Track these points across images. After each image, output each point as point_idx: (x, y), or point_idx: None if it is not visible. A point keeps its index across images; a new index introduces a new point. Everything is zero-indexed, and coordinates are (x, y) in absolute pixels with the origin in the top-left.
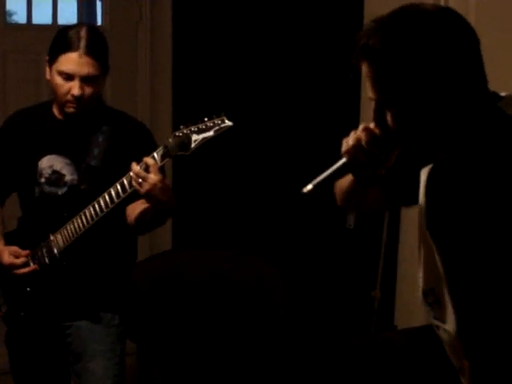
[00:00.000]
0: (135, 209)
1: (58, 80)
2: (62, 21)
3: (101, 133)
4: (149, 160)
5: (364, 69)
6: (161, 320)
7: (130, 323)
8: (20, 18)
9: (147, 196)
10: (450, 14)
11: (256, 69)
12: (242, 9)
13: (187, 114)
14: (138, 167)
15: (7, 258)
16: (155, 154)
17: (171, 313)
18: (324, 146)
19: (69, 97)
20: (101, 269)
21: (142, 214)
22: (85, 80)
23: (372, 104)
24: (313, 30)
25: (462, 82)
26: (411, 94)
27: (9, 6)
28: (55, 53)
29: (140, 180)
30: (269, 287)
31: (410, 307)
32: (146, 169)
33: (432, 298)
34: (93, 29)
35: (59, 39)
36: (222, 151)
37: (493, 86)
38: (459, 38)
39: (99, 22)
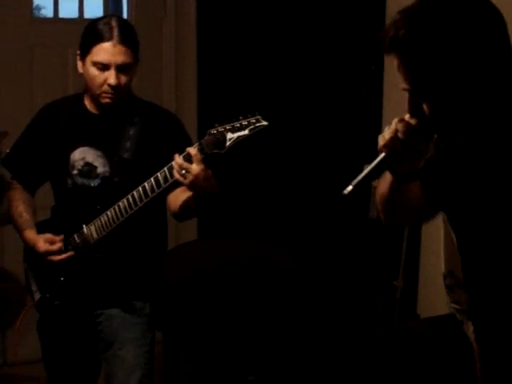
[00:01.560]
0: (178, 197)
1: (93, 71)
2: (88, 15)
3: (132, 125)
4: (191, 150)
5: (395, 61)
6: (186, 309)
7: (157, 312)
8: (47, 12)
9: (191, 186)
10: None
11: (280, 62)
12: (267, 3)
13: (212, 108)
14: (180, 159)
15: (42, 245)
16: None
17: (196, 301)
18: (347, 139)
19: (105, 87)
20: (133, 258)
21: (187, 201)
22: (120, 69)
23: (405, 95)
24: (336, 25)
25: (493, 66)
26: (444, 81)
27: (37, 1)
28: (88, 45)
29: (183, 171)
30: (289, 278)
31: (433, 296)
32: (189, 159)
33: (451, 280)
34: (122, 19)
35: (90, 31)
36: (247, 142)
37: None
38: (487, 23)
39: (125, 16)
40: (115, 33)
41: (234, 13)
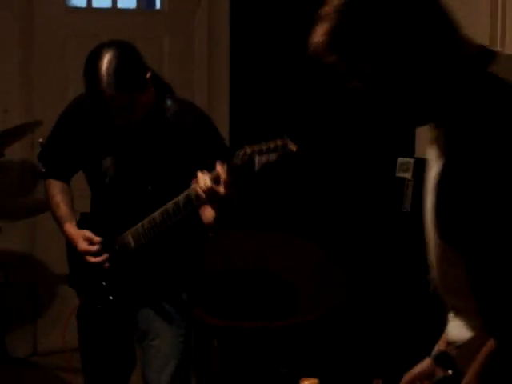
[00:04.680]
0: (204, 211)
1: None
2: (121, 5)
3: (163, 127)
4: (222, 173)
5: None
6: (216, 299)
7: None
8: (80, 2)
9: (213, 205)
10: None
11: (311, 59)
12: None
13: (244, 100)
14: (208, 178)
15: (82, 244)
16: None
17: (225, 292)
18: (378, 130)
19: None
20: (171, 249)
21: (208, 217)
22: (122, 110)
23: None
24: None
25: (429, 39)
26: (386, 66)
27: None
28: (87, 92)
29: (210, 193)
30: (318, 271)
31: None
32: (217, 178)
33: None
34: (117, 55)
35: (86, 78)
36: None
37: None
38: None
39: (158, 6)
40: (104, 84)
41: (269, 3)
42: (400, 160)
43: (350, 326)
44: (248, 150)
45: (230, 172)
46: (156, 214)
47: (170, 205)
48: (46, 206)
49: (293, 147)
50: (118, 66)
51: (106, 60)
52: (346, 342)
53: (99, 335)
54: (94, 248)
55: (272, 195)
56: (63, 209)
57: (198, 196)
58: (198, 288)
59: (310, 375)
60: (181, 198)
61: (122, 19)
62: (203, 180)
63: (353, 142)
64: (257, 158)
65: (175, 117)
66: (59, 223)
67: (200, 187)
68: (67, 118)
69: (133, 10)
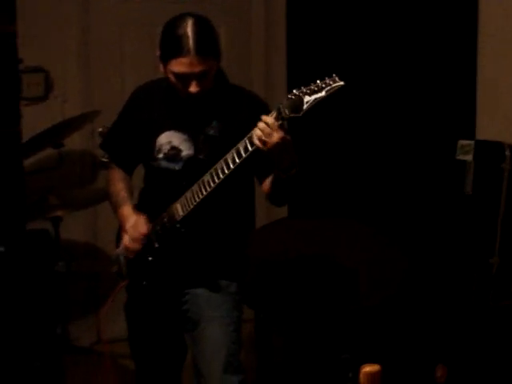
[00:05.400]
0: (268, 181)
1: (173, 79)
2: None
3: (218, 106)
4: (267, 118)
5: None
6: (277, 287)
7: (247, 290)
8: None
9: (270, 153)
10: None
11: (372, 42)
12: None
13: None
14: (262, 124)
15: (130, 229)
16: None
17: (287, 280)
18: (440, 114)
19: (187, 92)
20: (219, 236)
21: (272, 182)
22: (200, 76)
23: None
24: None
25: None
26: None
27: None
28: (166, 56)
29: (263, 137)
30: (384, 259)
31: None
32: (267, 127)
33: None
34: (199, 22)
35: (167, 41)
36: (339, 120)
37: None
38: None
39: None
40: (191, 45)
41: None
42: (461, 142)
43: (412, 311)
44: (296, 92)
45: (279, 116)
46: (204, 176)
47: (218, 164)
48: (107, 195)
49: (340, 82)
50: (202, 31)
51: (190, 24)
52: (407, 328)
53: (147, 319)
54: (138, 234)
55: (332, 181)
56: (122, 195)
57: (246, 147)
58: (252, 276)
59: (371, 361)
60: (229, 154)
61: (178, 8)
62: (257, 127)
63: (412, 126)
64: (305, 98)
65: (231, 94)
66: (115, 207)
67: (251, 135)
68: (129, 106)
69: None
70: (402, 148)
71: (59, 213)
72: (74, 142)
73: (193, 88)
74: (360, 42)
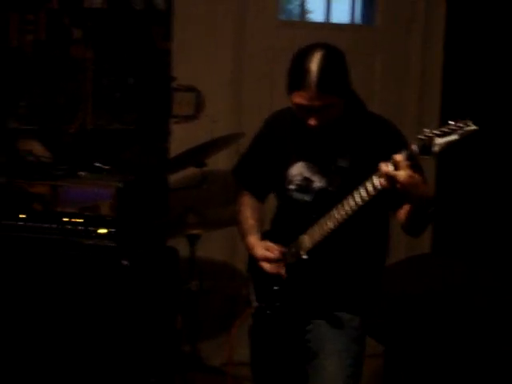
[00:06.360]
0: (402, 211)
1: (295, 108)
2: (335, 20)
3: (352, 137)
4: (397, 156)
5: None
6: (411, 325)
7: (377, 324)
8: (317, 16)
9: (402, 192)
10: None
11: None
12: None
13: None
14: (387, 166)
15: (260, 251)
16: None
17: (422, 319)
18: None
19: (307, 124)
20: (346, 270)
21: (407, 215)
22: (319, 111)
23: None
24: None
25: None
26: None
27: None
28: (290, 86)
29: (390, 175)
30: None
31: None
32: (395, 166)
33: None
34: (326, 56)
35: (293, 72)
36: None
37: None
38: None
39: (373, 21)
40: (313, 80)
41: (488, 22)
42: None
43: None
44: (428, 134)
45: (408, 156)
46: (333, 209)
47: (346, 199)
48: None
49: (473, 127)
50: (327, 67)
51: (317, 58)
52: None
53: (269, 346)
54: (271, 255)
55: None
56: (250, 223)
57: (374, 185)
58: (383, 310)
59: None
60: (357, 189)
61: (334, 33)
62: (383, 166)
63: None
64: (437, 140)
65: (362, 123)
66: (243, 235)
67: (379, 173)
68: (263, 133)
69: (346, 25)
70: None
71: (197, 231)
72: (217, 162)
73: (311, 121)
74: None
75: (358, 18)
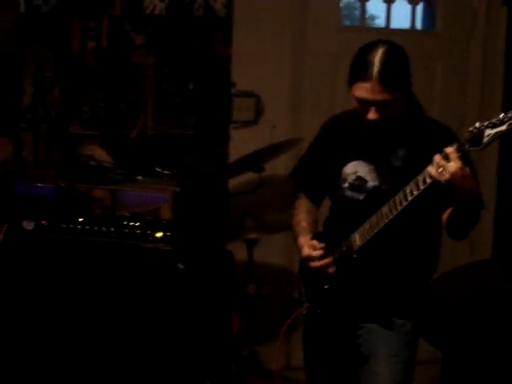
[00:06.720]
0: (447, 213)
1: (355, 102)
2: (395, 25)
3: (406, 137)
4: (448, 149)
5: None
6: (470, 331)
7: (436, 330)
8: (381, 22)
9: (448, 184)
10: None
11: None
12: None
13: None
14: (439, 158)
15: (306, 250)
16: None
17: (481, 324)
18: None
19: (367, 118)
20: (397, 272)
21: (451, 213)
22: (380, 104)
23: None
24: None
25: None
26: None
27: (371, 11)
28: (351, 78)
29: (440, 169)
30: None
31: None
32: (446, 158)
33: None
34: (390, 51)
35: (356, 64)
36: None
37: None
38: None
39: (434, 26)
40: (375, 72)
41: None
42: None
43: None
44: (478, 126)
45: (459, 148)
46: (384, 206)
47: (397, 195)
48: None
49: None
50: (390, 61)
51: (380, 52)
52: None
53: (322, 349)
54: (315, 253)
55: None
56: (302, 225)
57: (424, 179)
58: (440, 316)
59: None
60: (410, 184)
61: (394, 39)
62: (435, 157)
63: None
64: (486, 131)
65: (419, 125)
66: (295, 238)
67: (430, 166)
68: (320, 136)
69: (406, 30)
70: None
71: (255, 235)
72: (276, 167)
73: (371, 115)
74: None
75: (418, 24)
